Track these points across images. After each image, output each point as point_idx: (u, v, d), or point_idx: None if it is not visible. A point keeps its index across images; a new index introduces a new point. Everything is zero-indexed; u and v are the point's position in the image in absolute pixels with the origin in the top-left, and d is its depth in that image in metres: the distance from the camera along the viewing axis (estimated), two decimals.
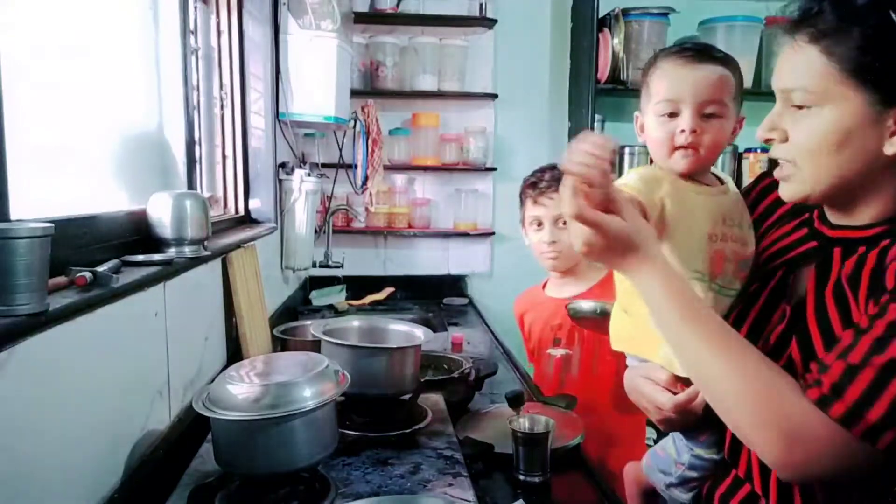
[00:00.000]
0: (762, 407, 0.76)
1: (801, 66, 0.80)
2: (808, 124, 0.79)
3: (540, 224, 1.84)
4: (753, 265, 0.98)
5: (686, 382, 0.97)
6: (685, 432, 1.03)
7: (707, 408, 0.90)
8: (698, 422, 0.98)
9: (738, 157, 3.02)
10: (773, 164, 0.88)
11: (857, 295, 0.78)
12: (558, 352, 1.82)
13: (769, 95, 0.88)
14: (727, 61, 1.00)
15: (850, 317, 0.78)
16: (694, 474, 1.04)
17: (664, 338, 0.88)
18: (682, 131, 0.96)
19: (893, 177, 0.79)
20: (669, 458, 1.08)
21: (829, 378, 0.72)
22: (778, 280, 0.92)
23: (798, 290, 0.88)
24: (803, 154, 0.80)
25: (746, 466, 0.91)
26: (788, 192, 0.84)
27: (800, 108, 0.80)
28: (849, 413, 0.70)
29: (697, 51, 0.99)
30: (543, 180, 1.83)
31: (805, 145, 0.80)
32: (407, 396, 1.42)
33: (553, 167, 1.94)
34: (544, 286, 1.99)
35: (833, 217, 0.86)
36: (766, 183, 1.02)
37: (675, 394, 0.99)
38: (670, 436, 1.08)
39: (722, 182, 1.04)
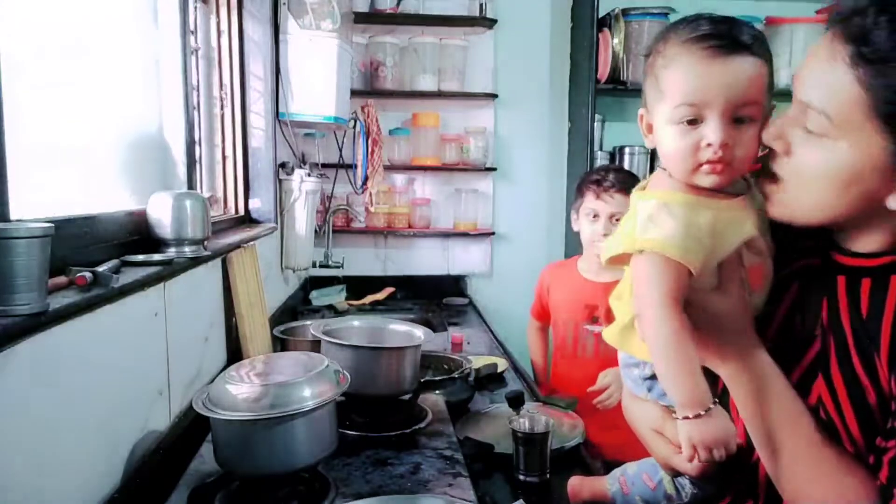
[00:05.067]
0: None
1: (829, 85, 0.69)
2: (818, 153, 0.71)
3: (596, 216, 1.96)
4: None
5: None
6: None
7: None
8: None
9: None
10: (763, 172, 0.78)
11: (879, 346, 0.73)
12: (596, 328, 1.99)
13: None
14: (758, 42, 0.77)
15: (874, 368, 0.73)
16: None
17: (753, 438, 0.79)
18: (709, 145, 0.76)
19: (890, 215, 0.73)
20: (661, 489, 1.01)
21: None
22: (790, 304, 0.84)
23: (809, 316, 0.82)
24: (802, 180, 0.73)
25: None
26: (770, 211, 0.77)
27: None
28: None
29: (722, 37, 0.75)
30: (608, 179, 1.95)
31: (808, 172, 0.72)
32: (407, 396, 1.42)
33: (618, 169, 2.19)
34: (575, 265, 2.15)
35: (842, 238, 0.79)
36: None
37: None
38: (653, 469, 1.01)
39: (748, 184, 0.84)
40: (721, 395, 0.83)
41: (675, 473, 0.92)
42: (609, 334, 0.90)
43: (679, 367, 0.76)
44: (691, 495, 1.00)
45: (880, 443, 0.71)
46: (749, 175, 0.83)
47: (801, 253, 0.85)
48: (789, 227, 0.81)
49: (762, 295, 0.84)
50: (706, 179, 0.78)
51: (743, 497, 0.88)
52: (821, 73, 0.70)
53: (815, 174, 0.71)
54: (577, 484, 1.17)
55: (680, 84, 0.78)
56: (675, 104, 0.78)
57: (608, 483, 1.13)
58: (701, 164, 0.78)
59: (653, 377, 0.88)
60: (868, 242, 0.76)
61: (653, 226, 0.77)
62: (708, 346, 0.80)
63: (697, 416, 0.75)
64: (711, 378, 0.81)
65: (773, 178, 0.75)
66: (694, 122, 0.78)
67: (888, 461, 0.69)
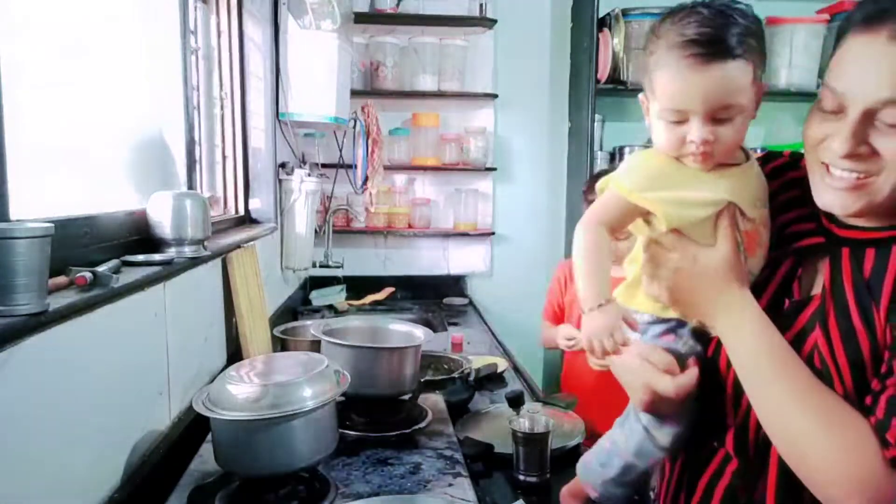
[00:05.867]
0: (845, 465, 0.76)
1: None
2: None
3: None
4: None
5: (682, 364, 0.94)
6: (657, 426, 0.99)
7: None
8: (675, 410, 0.95)
9: None
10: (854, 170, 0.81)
11: (879, 301, 0.78)
12: None
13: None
14: (745, 41, 0.82)
15: (871, 322, 0.78)
16: (637, 463, 1.01)
17: (748, 391, 0.84)
18: (692, 142, 0.85)
19: None
20: (615, 447, 1.04)
21: (893, 436, 0.73)
22: (787, 270, 0.89)
23: (806, 284, 0.87)
24: (889, 167, 0.75)
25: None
26: (857, 202, 0.79)
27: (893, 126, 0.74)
28: None
29: (706, 44, 0.81)
30: None
31: (891, 161, 0.75)
32: (407, 396, 1.42)
33: None
34: None
35: (844, 217, 0.84)
36: (777, 164, 0.97)
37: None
38: (624, 423, 1.04)
39: (748, 157, 0.92)
40: (713, 354, 0.91)
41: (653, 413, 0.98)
42: (617, 292, 0.98)
43: (588, 269, 0.92)
44: (638, 447, 1.00)
45: (876, 386, 0.77)
46: (750, 151, 0.92)
47: (803, 235, 0.89)
48: (793, 212, 0.89)
49: (756, 260, 0.90)
50: (692, 164, 0.88)
51: (732, 454, 0.92)
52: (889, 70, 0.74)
53: None
54: (564, 493, 1.15)
55: (666, 89, 0.85)
56: (662, 106, 0.86)
57: (581, 475, 1.10)
58: (686, 154, 0.87)
59: (654, 322, 0.98)
60: (873, 220, 0.81)
61: (623, 169, 0.91)
62: (700, 301, 0.87)
63: (591, 310, 0.89)
64: (704, 341, 0.92)
65: (856, 176, 0.78)
66: (679, 121, 0.85)
67: (886, 399, 0.75)
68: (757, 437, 0.87)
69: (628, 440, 1.01)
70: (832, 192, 0.79)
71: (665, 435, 0.98)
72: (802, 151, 0.86)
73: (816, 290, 0.86)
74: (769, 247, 0.91)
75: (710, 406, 0.93)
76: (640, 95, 0.93)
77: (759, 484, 0.88)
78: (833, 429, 0.77)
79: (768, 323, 0.83)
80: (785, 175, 0.93)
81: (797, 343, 0.84)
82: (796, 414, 0.79)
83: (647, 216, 0.92)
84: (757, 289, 0.89)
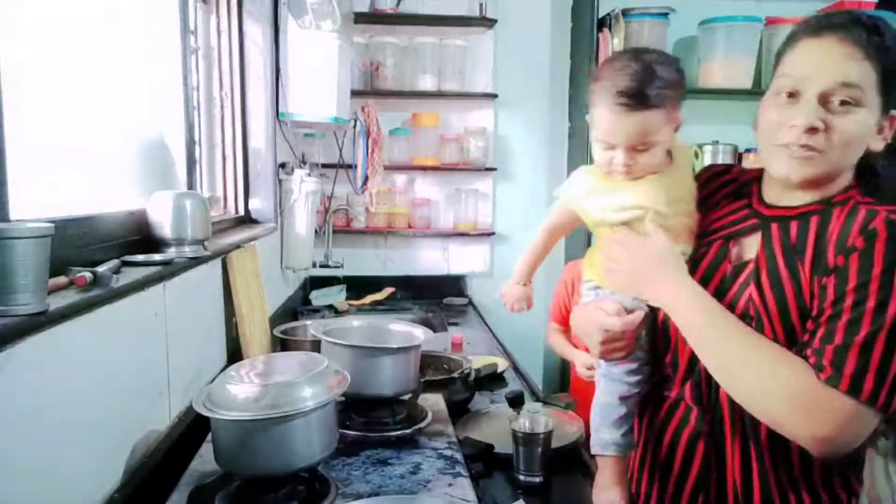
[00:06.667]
0: (787, 390, 0.91)
1: (856, 69, 0.93)
2: (850, 120, 0.93)
3: None
4: (699, 236, 1.12)
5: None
6: (614, 365, 1.15)
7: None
8: (626, 348, 1.12)
9: (738, 157, 3.03)
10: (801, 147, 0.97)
11: (804, 257, 0.97)
12: None
13: None
14: (665, 93, 1.03)
15: (797, 275, 0.97)
16: (619, 404, 1.15)
17: (693, 346, 1.02)
18: (617, 164, 1.07)
19: (849, 170, 1.00)
20: (601, 403, 1.17)
21: (827, 360, 0.90)
22: (719, 247, 1.09)
23: (742, 253, 1.06)
24: (839, 144, 0.94)
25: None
26: (809, 170, 0.97)
27: (845, 104, 0.93)
28: (852, 385, 0.88)
29: (632, 96, 1.02)
30: None
31: (842, 139, 0.94)
32: (407, 396, 1.42)
33: None
34: None
35: (770, 199, 1.05)
36: (712, 173, 1.19)
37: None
38: (603, 382, 1.18)
39: (672, 159, 1.12)
40: (665, 318, 1.09)
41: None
42: (582, 262, 1.23)
43: (526, 254, 1.29)
44: (625, 376, 1.15)
45: (811, 325, 0.94)
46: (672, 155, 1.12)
47: (738, 221, 1.08)
48: (728, 206, 1.11)
49: (684, 245, 1.09)
50: (618, 177, 1.10)
51: (692, 404, 1.08)
52: (843, 61, 0.93)
53: (850, 138, 0.94)
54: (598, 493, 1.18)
55: (600, 123, 1.07)
56: (596, 136, 1.09)
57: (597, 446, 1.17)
58: (612, 172, 1.10)
59: (596, 288, 1.19)
60: (797, 198, 1.01)
61: (567, 182, 1.18)
62: (645, 279, 1.06)
63: (516, 284, 1.30)
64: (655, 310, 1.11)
65: (808, 150, 0.95)
66: (609, 147, 1.08)
67: (820, 335, 0.91)
68: (709, 386, 1.04)
69: (604, 390, 1.17)
70: (788, 162, 0.97)
71: (623, 373, 1.14)
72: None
73: (750, 256, 1.04)
74: (701, 234, 1.11)
75: (669, 364, 1.12)
76: (587, 117, 1.13)
77: (717, 426, 1.04)
78: (773, 365, 0.93)
79: (701, 291, 1.01)
80: (721, 178, 1.16)
81: (736, 298, 1.02)
82: (737, 358, 0.96)
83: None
84: (695, 263, 1.08)
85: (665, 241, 1.06)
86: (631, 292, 1.10)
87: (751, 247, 1.05)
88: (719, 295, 1.03)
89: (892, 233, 0.90)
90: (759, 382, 0.93)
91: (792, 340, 0.96)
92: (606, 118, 1.05)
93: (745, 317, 0.99)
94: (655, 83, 1.03)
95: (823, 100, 0.94)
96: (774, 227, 1.02)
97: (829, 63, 0.94)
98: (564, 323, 2.22)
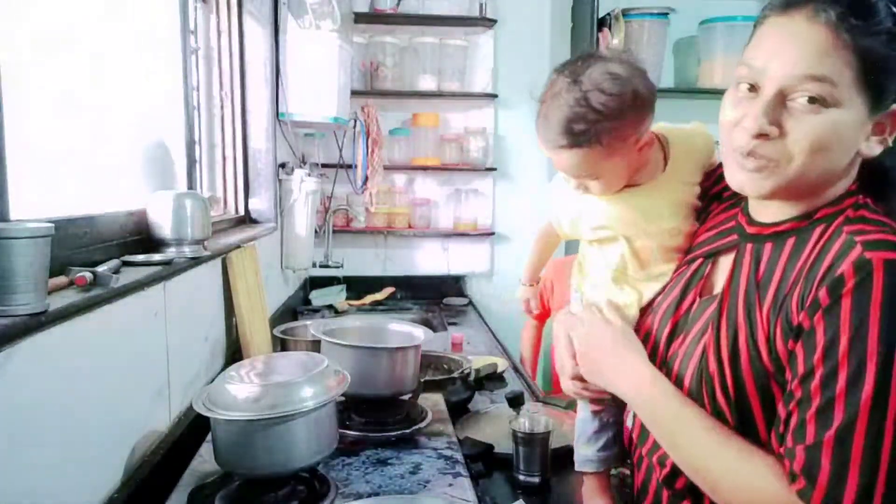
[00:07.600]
0: (757, 498, 0.79)
1: (827, 58, 0.74)
2: (818, 122, 0.75)
3: None
4: (689, 249, 1.01)
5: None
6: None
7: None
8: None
9: None
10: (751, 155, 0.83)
11: (766, 297, 0.81)
12: None
13: None
14: (600, 124, 0.92)
15: (754, 326, 0.81)
16: (597, 424, 1.11)
17: (660, 442, 0.90)
18: (572, 186, 1.03)
19: (839, 177, 0.81)
20: (581, 421, 1.13)
21: (798, 466, 0.74)
22: (697, 268, 0.96)
23: (713, 282, 0.93)
24: (802, 152, 0.76)
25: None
26: (767, 183, 0.80)
27: (813, 102, 0.75)
28: (828, 497, 0.72)
29: (560, 135, 0.94)
30: None
31: (807, 146, 0.76)
32: (407, 396, 1.42)
33: None
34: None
35: (752, 211, 0.89)
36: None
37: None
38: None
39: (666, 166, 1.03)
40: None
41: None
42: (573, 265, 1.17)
43: (530, 257, 1.31)
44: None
45: (782, 412, 0.78)
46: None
47: (724, 233, 0.95)
48: (725, 213, 0.97)
49: (666, 265, 1.01)
50: None
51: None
52: (809, 48, 0.75)
53: (814, 143, 0.76)
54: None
55: (546, 154, 1.01)
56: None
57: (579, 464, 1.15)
58: None
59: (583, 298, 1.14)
60: (773, 213, 0.85)
61: (550, 186, 1.15)
62: (604, 372, 0.97)
63: (523, 285, 1.36)
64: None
65: (758, 159, 0.79)
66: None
67: (793, 428, 0.76)
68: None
69: (580, 404, 1.13)
70: (744, 174, 0.81)
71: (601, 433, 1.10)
72: None
73: (717, 290, 0.91)
74: (693, 244, 1.00)
75: None
76: None
77: None
78: (739, 467, 0.80)
79: (661, 382, 0.89)
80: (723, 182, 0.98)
81: (693, 345, 0.89)
82: (701, 459, 0.84)
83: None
84: (669, 286, 0.98)
85: (620, 327, 0.97)
86: (596, 381, 1.00)
87: (723, 273, 0.91)
88: (676, 334, 0.92)
89: (860, 280, 0.71)
90: (726, 483, 0.82)
91: (747, 423, 0.81)
92: (547, 152, 0.99)
93: (700, 378, 0.86)
94: (588, 117, 0.92)
95: (784, 97, 0.76)
96: (748, 248, 0.87)
97: (791, 50, 0.75)
98: (541, 318, 2.28)
